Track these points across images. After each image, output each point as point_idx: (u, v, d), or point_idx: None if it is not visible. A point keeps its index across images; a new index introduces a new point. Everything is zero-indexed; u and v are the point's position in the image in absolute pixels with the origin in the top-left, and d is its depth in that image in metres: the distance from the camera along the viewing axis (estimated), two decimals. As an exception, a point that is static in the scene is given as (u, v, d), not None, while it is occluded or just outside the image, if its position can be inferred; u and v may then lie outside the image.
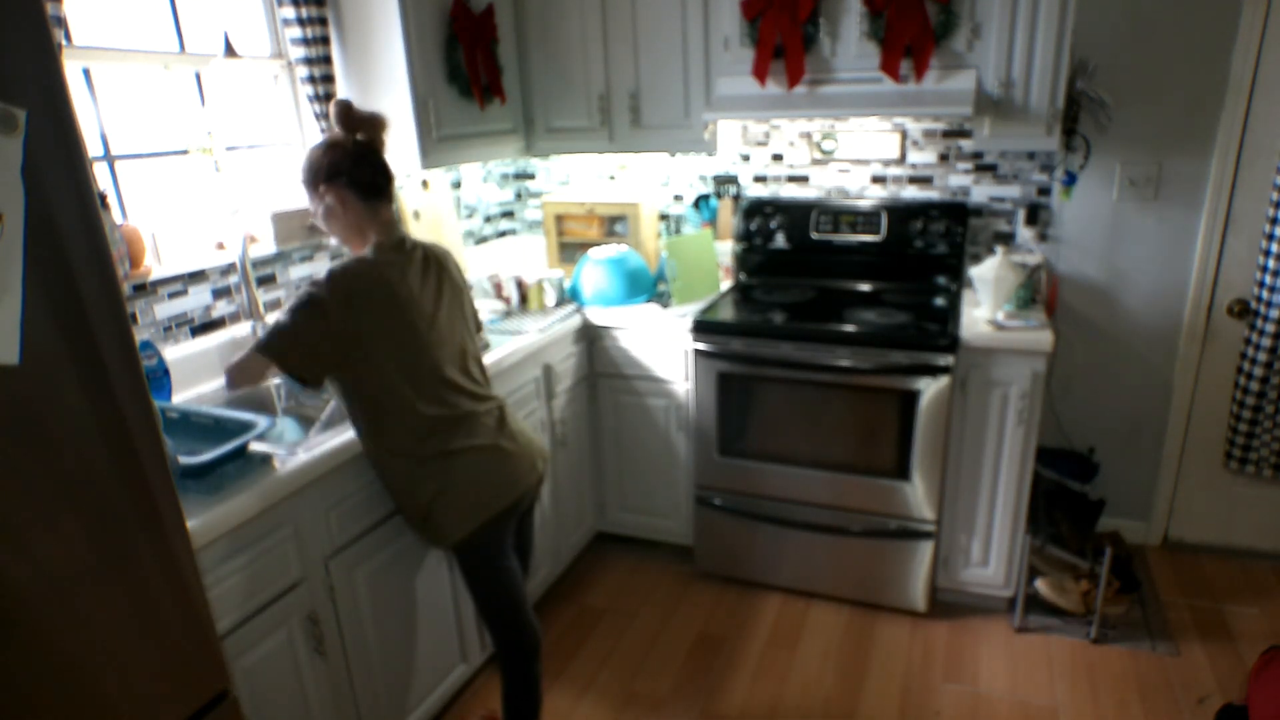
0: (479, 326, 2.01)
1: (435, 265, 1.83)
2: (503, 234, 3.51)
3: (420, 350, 1.71)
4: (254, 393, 2.11)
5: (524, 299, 2.79)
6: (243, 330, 2.21)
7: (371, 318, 1.65)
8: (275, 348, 1.61)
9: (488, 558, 1.84)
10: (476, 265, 3.14)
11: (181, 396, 2.02)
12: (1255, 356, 2.63)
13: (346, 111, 1.74)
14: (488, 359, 2.27)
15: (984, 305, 2.49)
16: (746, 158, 3.15)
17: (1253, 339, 2.64)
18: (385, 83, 2.42)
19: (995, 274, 2.44)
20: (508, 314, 2.72)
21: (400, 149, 2.46)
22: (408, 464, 1.74)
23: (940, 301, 2.77)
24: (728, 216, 3.13)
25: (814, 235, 2.97)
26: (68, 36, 1.85)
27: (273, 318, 1.66)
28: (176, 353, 2.04)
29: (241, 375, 1.67)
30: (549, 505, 2.67)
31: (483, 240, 3.37)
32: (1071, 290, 2.87)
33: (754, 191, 3.17)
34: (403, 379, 1.69)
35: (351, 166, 1.72)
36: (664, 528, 2.99)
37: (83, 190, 1.02)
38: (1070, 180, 2.74)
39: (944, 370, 2.38)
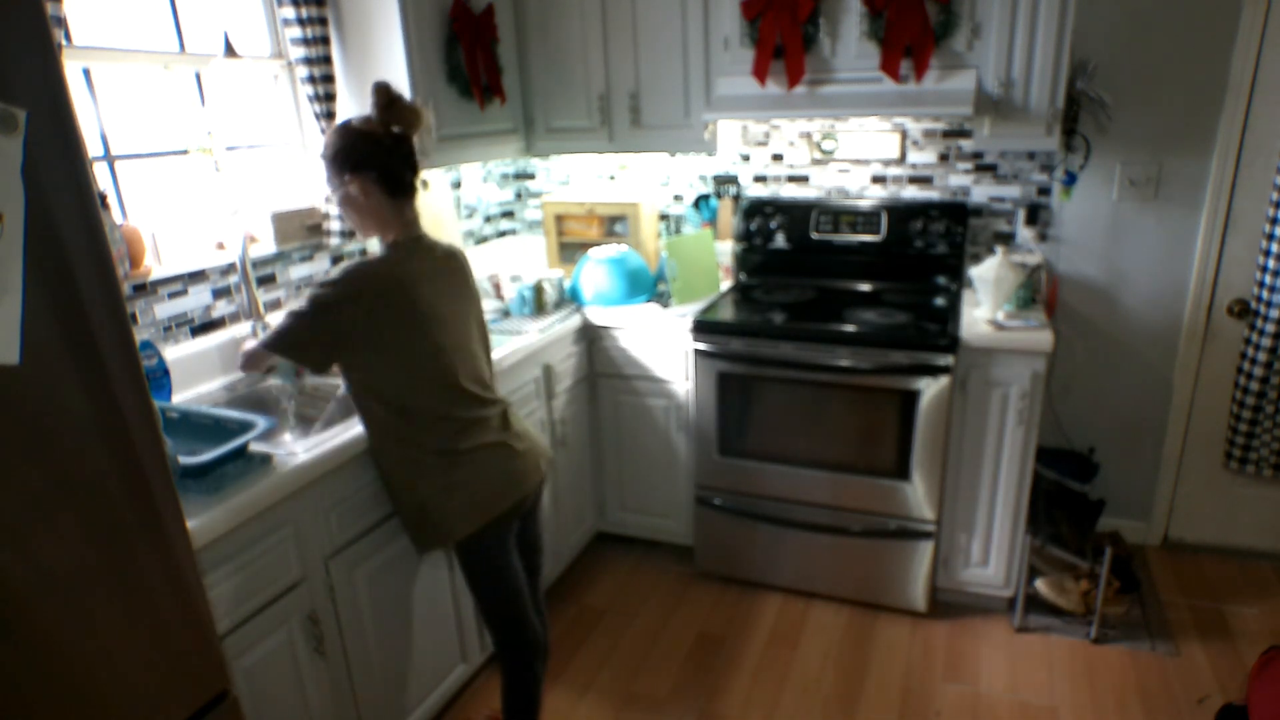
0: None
1: (454, 267, 1.82)
2: (503, 234, 3.51)
3: (430, 352, 1.71)
4: (254, 393, 2.11)
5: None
6: (243, 330, 2.21)
7: (381, 318, 1.64)
8: (283, 345, 1.67)
9: (489, 557, 1.84)
10: (477, 265, 3.14)
11: (181, 396, 2.02)
12: (1255, 356, 2.63)
13: (389, 99, 1.65)
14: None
15: (984, 305, 2.49)
16: (746, 158, 3.15)
17: (1253, 339, 2.64)
18: (385, 83, 2.42)
19: (995, 274, 2.44)
20: (508, 314, 2.72)
21: (400, 149, 2.46)
22: (411, 462, 1.74)
23: (940, 301, 2.77)
24: (728, 216, 3.13)
25: (814, 235, 2.97)
26: (68, 36, 1.85)
27: (285, 311, 1.70)
28: (176, 353, 2.04)
29: (250, 363, 1.78)
30: (549, 505, 2.67)
31: (483, 240, 3.37)
32: (1071, 290, 2.87)
33: (754, 191, 3.17)
34: (411, 378, 1.70)
35: (385, 160, 1.66)
36: (664, 528, 2.99)
37: (83, 190, 1.02)
38: (1070, 180, 2.74)
39: (944, 370, 2.38)
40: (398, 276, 1.67)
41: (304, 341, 1.65)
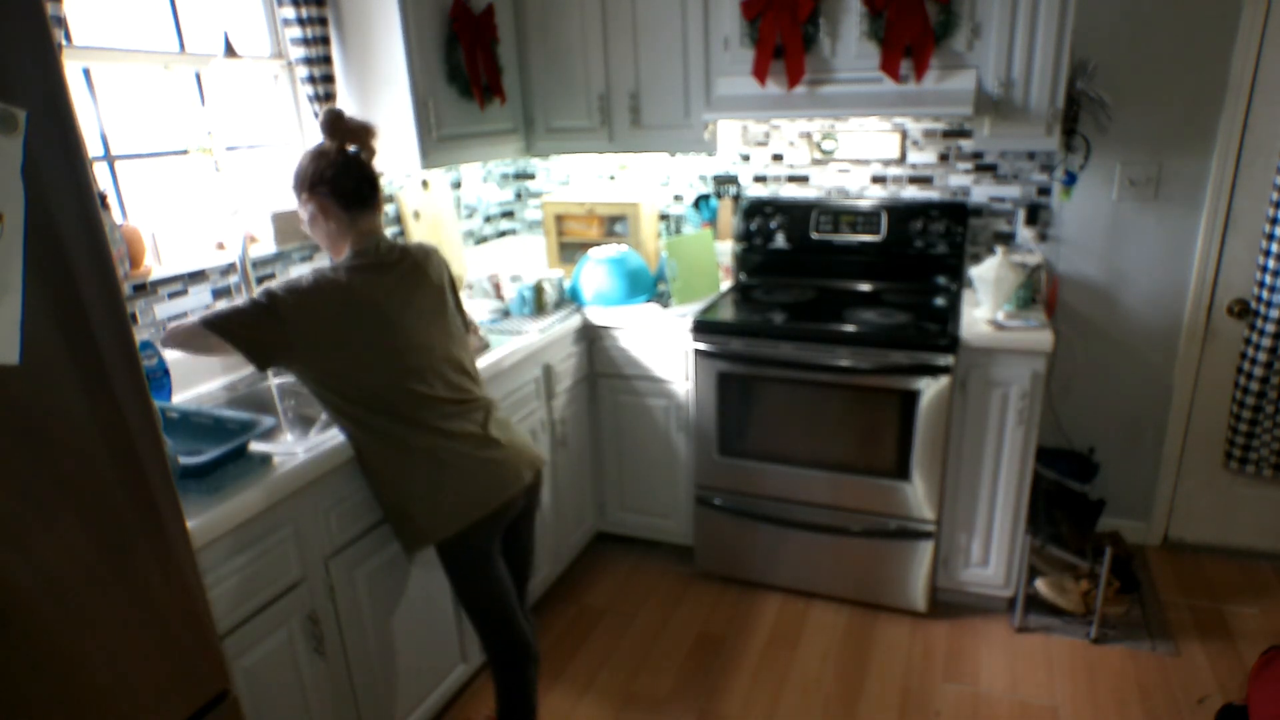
0: (469, 325, 2.00)
1: (416, 271, 1.81)
2: (503, 234, 3.51)
3: (387, 358, 1.70)
4: (254, 393, 2.11)
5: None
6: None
7: (327, 331, 1.64)
8: (223, 328, 1.60)
9: (470, 563, 1.83)
10: (476, 265, 3.14)
11: (181, 396, 2.02)
12: (1255, 356, 2.63)
13: (335, 121, 1.76)
14: (488, 359, 2.27)
15: (984, 305, 2.49)
16: (746, 158, 3.15)
17: (1253, 339, 2.64)
18: (385, 83, 2.42)
19: (995, 274, 2.44)
20: (508, 314, 2.72)
21: (400, 149, 2.46)
22: (387, 463, 1.74)
23: (940, 301, 2.77)
24: (728, 216, 3.13)
25: (814, 235, 2.97)
26: (68, 36, 1.85)
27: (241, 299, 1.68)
28: (176, 353, 2.04)
29: (177, 339, 1.67)
30: (549, 505, 2.67)
31: (483, 240, 3.37)
32: (1071, 290, 2.87)
33: (754, 191, 3.17)
34: (370, 383, 1.69)
35: (335, 176, 1.74)
36: (664, 528, 2.99)
37: (83, 190, 1.02)
38: (1070, 180, 2.74)
39: (944, 370, 2.39)
40: (343, 287, 1.67)
41: (246, 332, 1.60)
